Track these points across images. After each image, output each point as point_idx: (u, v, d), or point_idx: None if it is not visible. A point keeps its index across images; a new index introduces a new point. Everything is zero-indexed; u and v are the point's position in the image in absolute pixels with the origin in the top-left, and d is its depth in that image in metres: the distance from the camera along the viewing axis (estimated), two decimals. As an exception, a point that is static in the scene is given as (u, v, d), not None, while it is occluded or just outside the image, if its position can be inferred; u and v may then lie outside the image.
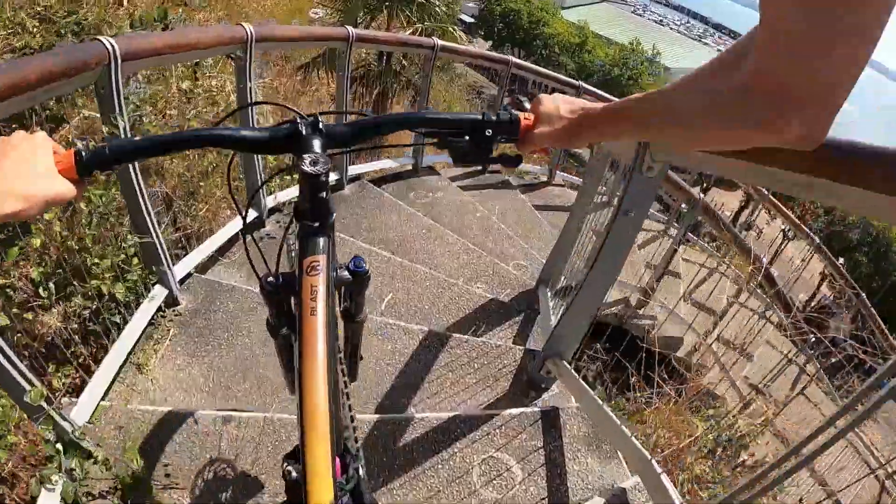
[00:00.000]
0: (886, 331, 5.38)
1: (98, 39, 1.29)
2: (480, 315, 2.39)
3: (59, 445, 1.23)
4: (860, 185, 0.73)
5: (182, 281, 2.04)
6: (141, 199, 1.61)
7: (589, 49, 21.64)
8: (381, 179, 3.58)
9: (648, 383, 2.64)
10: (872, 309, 5.52)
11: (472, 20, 25.11)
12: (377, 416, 1.68)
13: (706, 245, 5.66)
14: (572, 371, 1.75)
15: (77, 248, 1.52)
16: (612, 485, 1.63)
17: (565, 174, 5.22)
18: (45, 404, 1.19)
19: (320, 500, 0.50)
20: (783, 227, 6.24)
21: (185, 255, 2.15)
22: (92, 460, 1.29)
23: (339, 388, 0.86)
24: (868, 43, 0.39)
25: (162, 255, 1.78)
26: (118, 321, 1.70)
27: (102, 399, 1.56)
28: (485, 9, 23.53)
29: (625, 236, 1.42)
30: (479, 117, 0.74)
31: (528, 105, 0.77)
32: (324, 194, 0.68)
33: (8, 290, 1.51)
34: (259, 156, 2.32)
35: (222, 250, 2.35)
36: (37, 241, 1.42)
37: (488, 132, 0.73)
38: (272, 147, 0.72)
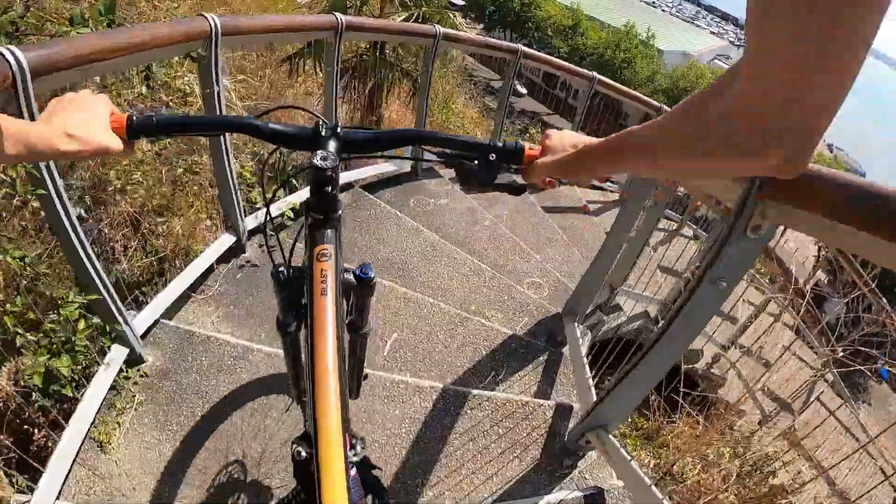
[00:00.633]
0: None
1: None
2: (499, 356, 2.08)
3: None
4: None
5: (148, 331, 1.70)
6: (81, 250, 1.25)
7: (582, 32, 21.06)
8: (377, 184, 3.22)
9: (669, 402, 2.44)
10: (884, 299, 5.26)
11: (462, 2, 24.36)
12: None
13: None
14: (620, 449, 1.44)
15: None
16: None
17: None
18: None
19: (332, 470, 0.51)
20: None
21: (153, 293, 1.82)
22: None
23: (345, 370, 0.80)
24: (854, 67, 0.37)
25: (116, 312, 1.44)
26: (73, 393, 1.37)
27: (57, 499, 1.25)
28: (475, -10, 22.77)
29: (708, 305, 1.11)
30: (486, 143, 0.79)
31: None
32: (329, 189, 0.72)
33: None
34: (234, 171, 1.98)
35: (195, 286, 2.01)
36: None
37: (492, 157, 0.77)
38: (295, 142, 0.77)
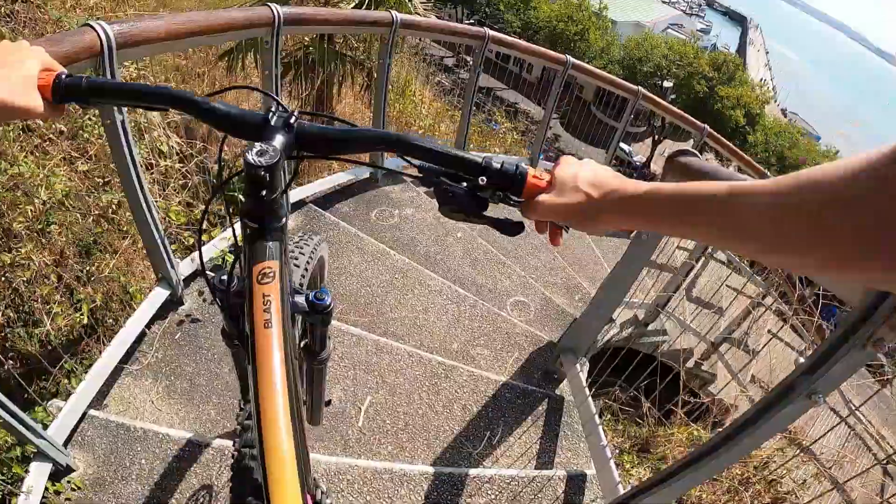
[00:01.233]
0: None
1: None
2: (492, 413, 1.77)
3: None
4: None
5: (75, 429, 1.33)
6: None
7: (534, 6, 20.64)
8: (332, 195, 2.82)
9: (662, 404, 2.26)
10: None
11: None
12: None
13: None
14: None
15: None
16: None
17: (549, 164, 4.58)
18: None
19: None
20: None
21: (81, 368, 1.43)
22: None
23: (301, 411, 0.60)
24: None
25: (26, 431, 1.07)
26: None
27: None
28: (422, -38, 21.89)
29: (794, 417, 0.83)
30: (479, 160, 0.59)
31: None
32: (265, 193, 0.58)
33: None
34: (155, 213, 1.58)
35: (128, 356, 1.61)
36: None
37: (482, 180, 0.57)
38: (237, 127, 0.63)
